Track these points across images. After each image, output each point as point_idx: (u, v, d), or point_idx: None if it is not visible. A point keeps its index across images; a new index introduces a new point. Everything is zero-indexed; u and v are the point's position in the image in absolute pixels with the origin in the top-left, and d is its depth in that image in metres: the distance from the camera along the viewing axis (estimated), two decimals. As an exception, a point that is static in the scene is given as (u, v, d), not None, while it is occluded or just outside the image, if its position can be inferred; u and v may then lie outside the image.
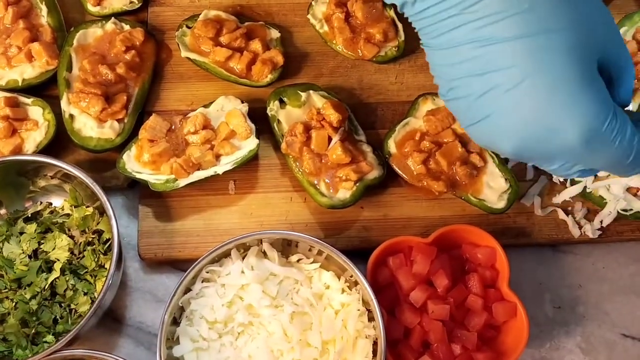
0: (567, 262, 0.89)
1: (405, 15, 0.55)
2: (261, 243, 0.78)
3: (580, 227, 0.87)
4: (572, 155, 0.51)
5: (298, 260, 0.79)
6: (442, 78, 0.54)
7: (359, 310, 0.75)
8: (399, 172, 0.86)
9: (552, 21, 0.48)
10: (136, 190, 0.89)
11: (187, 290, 0.76)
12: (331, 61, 0.96)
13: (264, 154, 0.90)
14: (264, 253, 0.79)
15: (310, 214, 0.87)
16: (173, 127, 0.86)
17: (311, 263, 0.79)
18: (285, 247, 0.80)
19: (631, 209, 0.85)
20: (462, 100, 0.52)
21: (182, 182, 0.83)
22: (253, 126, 0.87)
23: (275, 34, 0.95)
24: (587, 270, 0.89)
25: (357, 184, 0.84)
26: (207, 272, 0.77)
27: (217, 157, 0.85)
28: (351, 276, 0.77)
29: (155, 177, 0.83)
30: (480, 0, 0.48)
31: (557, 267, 0.89)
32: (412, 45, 0.96)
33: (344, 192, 0.84)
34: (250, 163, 0.87)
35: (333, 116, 0.85)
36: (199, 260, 0.75)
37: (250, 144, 0.86)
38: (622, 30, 0.94)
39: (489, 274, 0.80)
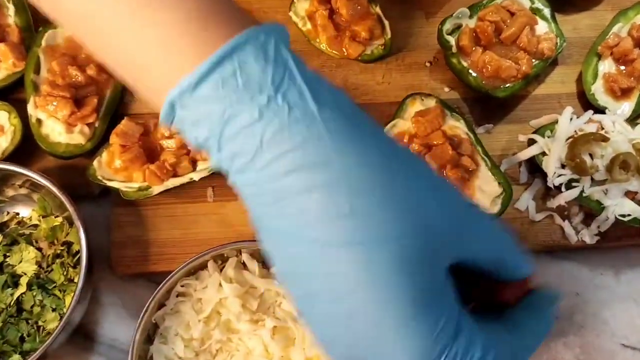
0: (564, 269, 0.86)
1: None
2: (240, 254, 0.74)
3: (577, 233, 0.84)
4: None
5: (280, 272, 0.76)
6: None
7: (344, 324, 0.71)
8: (387, 176, 0.82)
9: (375, 228, 0.39)
10: (109, 199, 0.84)
11: (161, 305, 0.72)
12: (315, 60, 0.92)
13: (244, 159, 0.86)
14: (244, 264, 0.75)
15: (293, 222, 0.83)
16: (147, 131, 0.82)
17: (294, 274, 0.75)
18: (267, 258, 0.76)
19: (629, 215, 0.81)
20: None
21: (156, 190, 0.79)
22: (232, 130, 0.83)
23: (255, 32, 0.91)
24: (584, 277, 0.86)
25: (343, 190, 0.80)
26: (182, 286, 0.73)
27: (194, 162, 0.81)
28: (336, 288, 0.73)
29: (126, 185, 0.79)
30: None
31: (554, 274, 0.86)
32: (399, 44, 0.93)
33: (329, 199, 0.80)
34: (230, 169, 0.83)
35: (316, 118, 0.81)
36: (173, 273, 0.71)
37: (229, 148, 0.82)
38: (616, 27, 0.90)
39: (482, 284, 0.77)
